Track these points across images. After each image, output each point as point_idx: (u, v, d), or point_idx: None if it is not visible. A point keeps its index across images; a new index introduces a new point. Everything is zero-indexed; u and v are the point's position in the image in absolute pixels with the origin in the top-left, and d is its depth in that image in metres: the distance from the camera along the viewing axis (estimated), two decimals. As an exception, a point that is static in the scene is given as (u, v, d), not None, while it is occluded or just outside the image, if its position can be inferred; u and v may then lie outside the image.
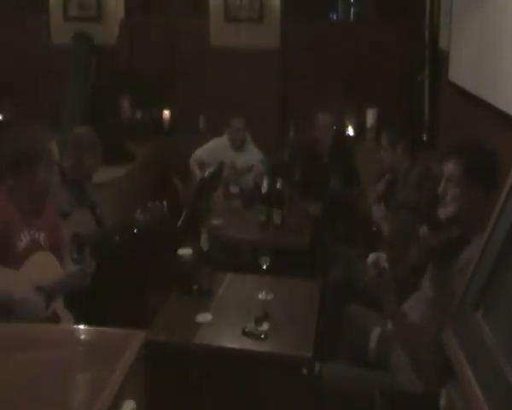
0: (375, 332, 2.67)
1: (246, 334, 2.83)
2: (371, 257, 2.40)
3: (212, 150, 4.97)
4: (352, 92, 5.91)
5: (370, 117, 5.84)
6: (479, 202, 2.39)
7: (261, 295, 3.16)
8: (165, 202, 3.58)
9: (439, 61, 5.06)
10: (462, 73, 4.19)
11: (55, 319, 2.72)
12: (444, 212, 2.45)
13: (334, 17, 6.56)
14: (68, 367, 1.70)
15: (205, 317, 2.99)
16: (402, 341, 2.46)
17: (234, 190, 4.84)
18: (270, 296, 3.16)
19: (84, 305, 2.92)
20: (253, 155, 5.03)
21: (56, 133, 2.97)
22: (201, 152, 5.05)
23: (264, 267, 3.17)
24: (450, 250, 2.29)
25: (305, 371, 2.71)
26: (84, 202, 3.52)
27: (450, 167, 2.46)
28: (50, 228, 2.88)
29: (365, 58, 5.72)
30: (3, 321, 2.41)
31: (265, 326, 2.86)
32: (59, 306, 2.78)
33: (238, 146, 4.99)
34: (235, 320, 2.95)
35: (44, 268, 2.72)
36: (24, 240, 2.70)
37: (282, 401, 2.78)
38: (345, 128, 5.92)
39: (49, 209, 2.92)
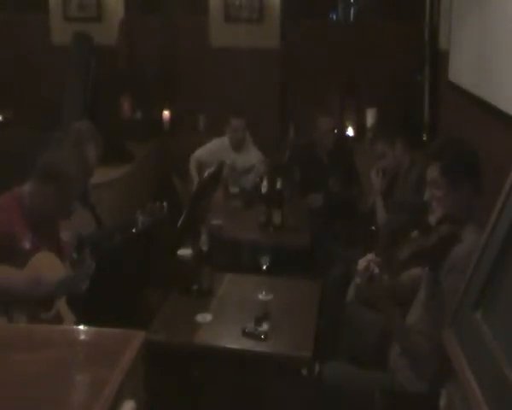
0: (353, 285, 2.61)
1: (246, 334, 2.83)
2: (361, 263, 2.39)
3: (213, 150, 4.97)
4: (351, 92, 5.91)
5: (370, 117, 5.84)
6: (465, 199, 2.40)
7: (261, 296, 3.16)
8: (165, 203, 3.59)
9: (439, 61, 5.06)
10: (462, 73, 4.19)
11: (59, 319, 2.73)
12: (433, 218, 2.44)
13: (334, 17, 6.56)
14: (68, 367, 1.70)
15: (205, 317, 2.99)
16: (400, 342, 2.46)
17: (234, 190, 4.84)
18: (270, 296, 3.16)
19: (84, 305, 2.92)
20: (253, 156, 5.03)
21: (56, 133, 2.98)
22: (201, 152, 5.05)
23: (264, 267, 3.17)
24: (440, 250, 2.29)
25: (305, 372, 2.71)
26: (84, 202, 3.52)
27: (430, 172, 2.46)
28: (52, 232, 2.90)
29: (365, 58, 5.71)
30: (4, 315, 2.43)
31: (265, 326, 2.86)
32: (62, 306, 2.79)
33: (238, 146, 4.99)
34: (235, 320, 2.95)
35: (48, 268, 2.74)
36: (28, 241, 2.72)
37: (282, 401, 2.79)
38: (345, 128, 5.92)
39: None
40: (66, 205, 2.85)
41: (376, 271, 2.35)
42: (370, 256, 2.41)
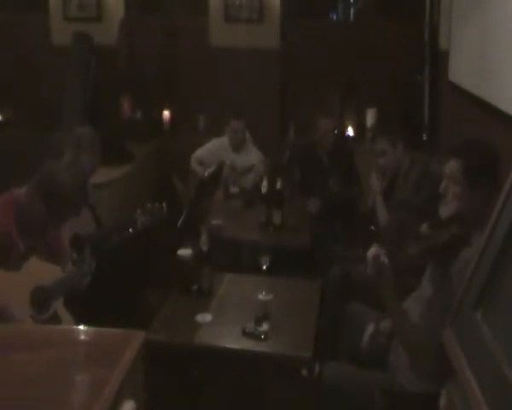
0: (369, 329, 2.66)
1: (246, 334, 2.82)
2: (372, 251, 2.40)
3: (213, 150, 4.97)
4: (352, 92, 5.92)
5: (370, 117, 5.84)
6: (480, 201, 2.40)
7: (261, 296, 3.16)
8: (164, 203, 3.59)
9: (439, 61, 5.06)
10: (462, 73, 4.19)
11: (56, 319, 2.73)
12: (445, 210, 2.46)
13: (334, 17, 6.56)
14: (68, 367, 1.70)
15: (205, 317, 2.99)
16: (401, 339, 2.46)
17: (234, 190, 4.84)
18: (270, 296, 3.16)
19: (84, 305, 2.92)
20: (252, 156, 5.03)
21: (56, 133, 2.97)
22: (201, 152, 5.05)
23: (264, 267, 3.17)
24: (451, 249, 2.29)
25: (305, 372, 2.71)
26: (84, 202, 3.52)
27: (451, 166, 2.47)
28: (45, 236, 2.89)
29: (365, 58, 5.71)
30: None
31: (265, 326, 2.86)
32: (59, 306, 2.78)
33: (237, 146, 4.99)
34: (235, 320, 2.95)
35: (44, 269, 2.73)
36: (21, 243, 2.72)
37: (282, 402, 2.78)
38: (345, 128, 5.93)
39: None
40: (59, 217, 2.87)
41: (386, 261, 2.36)
42: (379, 249, 2.41)
